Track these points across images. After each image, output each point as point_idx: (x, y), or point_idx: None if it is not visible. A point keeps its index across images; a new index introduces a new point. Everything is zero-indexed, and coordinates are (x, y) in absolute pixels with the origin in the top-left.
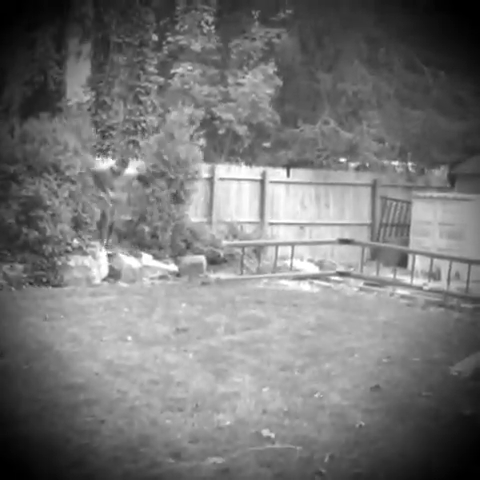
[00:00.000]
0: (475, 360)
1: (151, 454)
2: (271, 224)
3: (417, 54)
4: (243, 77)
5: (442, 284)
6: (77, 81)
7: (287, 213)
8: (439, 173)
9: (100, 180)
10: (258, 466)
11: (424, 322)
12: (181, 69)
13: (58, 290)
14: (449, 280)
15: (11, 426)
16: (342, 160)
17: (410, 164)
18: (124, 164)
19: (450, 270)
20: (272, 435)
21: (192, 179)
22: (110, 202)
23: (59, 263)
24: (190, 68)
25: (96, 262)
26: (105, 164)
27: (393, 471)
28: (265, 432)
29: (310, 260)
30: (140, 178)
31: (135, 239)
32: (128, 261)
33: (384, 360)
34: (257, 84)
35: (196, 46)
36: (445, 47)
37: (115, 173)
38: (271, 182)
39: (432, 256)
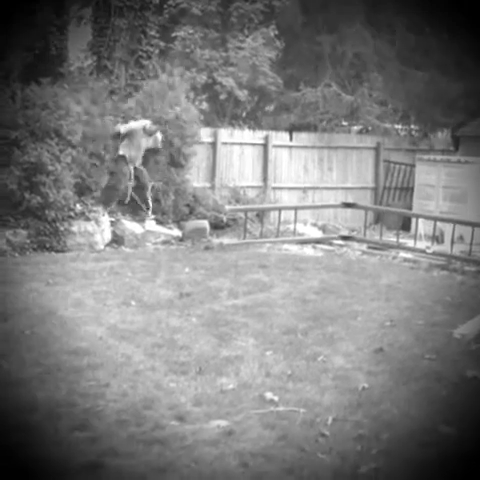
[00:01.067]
0: (478, 323)
1: (155, 417)
2: (274, 188)
3: (419, 15)
4: (244, 41)
5: (445, 247)
6: (79, 46)
7: (290, 177)
8: (442, 136)
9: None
10: (261, 428)
11: (427, 285)
12: (182, 33)
13: (61, 255)
14: (452, 243)
15: (15, 389)
16: (344, 123)
17: (413, 127)
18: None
19: (453, 233)
20: (275, 398)
21: (191, 142)
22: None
23: (62, 228)
24: (191, 31)
25: (99, 227)
26: (137, 123)
27: (396, 432)
28: (268, 395)
29: (313, 224)
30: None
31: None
32: (131, 226)
33: (387, 323)
34: (257, 48)
35: (196, 9)
36: (447, 9)
37: (146, 132)
38: (274, 146)
39: (435, 219)
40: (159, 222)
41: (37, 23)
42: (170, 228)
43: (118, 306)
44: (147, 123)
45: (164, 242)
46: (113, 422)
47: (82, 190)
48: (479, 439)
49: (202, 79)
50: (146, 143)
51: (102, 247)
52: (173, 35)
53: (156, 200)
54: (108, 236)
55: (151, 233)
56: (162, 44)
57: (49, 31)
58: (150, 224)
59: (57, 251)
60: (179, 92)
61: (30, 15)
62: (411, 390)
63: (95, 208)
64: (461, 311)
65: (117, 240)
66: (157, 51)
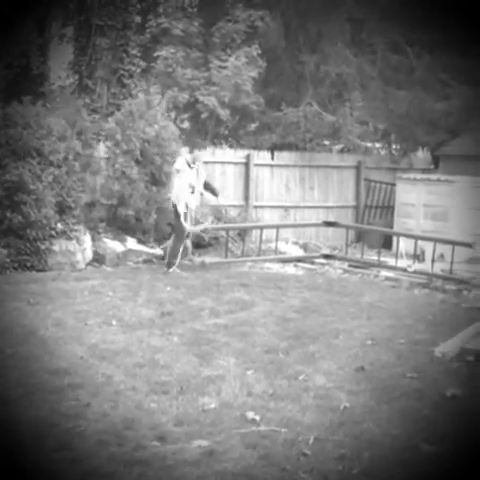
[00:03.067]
0: (459, 341)
1: (136, 437)
2: (256, 207)
3: (401, 35)
4: (226, 60)
5: (426, 266)
6: (60, 65)
7: (272, 196)
8: (423, 155)
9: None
10: (243, 448)
11: (408, 304)
12: (164, 52)
13: (42, 275)
14: (433, 261)
15: None
16: (326, 143)
17: (394, 146)
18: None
19: (434, 251)
20: (257, 417)
21: (171, 161)
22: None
23: (43, 248)
24: (173, 51)
25: (80, 247)
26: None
27: (377, 452)
28: (250, 414)
29: (295, 243)
30: (109, 160)
31: (119, 223)
32: (112, 245)
33: (368, 342)
34: (240, 67)
35: (177, 30)
36: (428, 28)
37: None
38: (255, 165)
39: (416, 238)
40: (141, 241)
41: (19, 41)
42: (152, 247)
43: (99, 326)
44: (188, 156)
45: (145, 261)
46: (94, 442)
47: (63, 209)
48: (460, 458)
49: (184, 98)
50: (191, 179)
51: (83, 266)
52: (155, 55)
53: (137, 219)
54: (89, 255)
55: (132, 252)
56: (143, 63)
57: (30, 49)
58: (131, 243)
59: (38, 270)
60: (157, 110)
61: (11, 33)
62: (393, 409)
63: (76, 227)
64: (442, 329)
65: (98, 259)
66: (139, 70)
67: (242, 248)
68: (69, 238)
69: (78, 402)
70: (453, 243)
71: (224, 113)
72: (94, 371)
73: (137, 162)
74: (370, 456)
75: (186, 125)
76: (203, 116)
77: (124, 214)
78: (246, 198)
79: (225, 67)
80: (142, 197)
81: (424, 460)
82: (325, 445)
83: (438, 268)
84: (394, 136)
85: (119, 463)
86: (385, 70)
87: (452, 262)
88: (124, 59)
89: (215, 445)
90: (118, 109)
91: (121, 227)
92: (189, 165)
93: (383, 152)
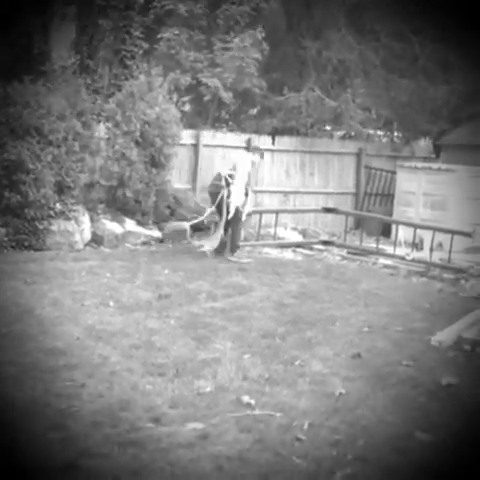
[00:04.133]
0: (456, 330)
1: (131, 419)
2: (255, 192)
3: (404, 23)
4: (230, 41)
5: (425, 254)
6: (62, 44)
7: (271, 181)
8: (424, 143)
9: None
10: (238, 432)
11: (406, 292)
12: (167, 34)
13: (40, 254)
14: (432, 250)
15: None
16: (327, 128)
17: (395, 134)
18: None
19: (433, 240)
20: (252, 401)
21: (171, 143)
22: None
23: (41, 227)
24: (177, 33)
25: (79, 227)
26: (243, 164)
27: (372, 438)
28: (245, 398)
29: (294, 228)
30: (109, 141)
31: (118, 205)
32: (111, 226)
33: (365, 329)
34: (244, 48)
35: (183, 10)
36: (432, 16)
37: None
38: None
39: (415, 226)
40: (139, 223)
41: (20, 20)
42: (150, 229)
43: (96, 306)
44: (251, 158)
45: (144, 243)
46: (89, 423)
47: (62, 189)
48: (454, 446)
49: (186, 80)
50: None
51: (81, 247)
52: (158, 36)
53: (136, 201)
54: (88, 236)
55: (131, 234)
56: (146, 45)
57: (32, 28)
58: (130, 224)
59: (36, 250)
60: (158, 92)
61: (13, 12)
62: (388, 396)
63: (75, 207)
64: (439, 318)
65: (97, 240)
66: (141, 52)
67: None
68: (68, 218)
69: (73, 382)
70: (452, 232)
71: (227, 96)
72: (90, 352)
73: (137, 144)
74: (364, 443)
75: (187, 108)
76: (205, 98)
77: (123, 195)
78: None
79: (229, 49)
80: (141, 179)
81: (418, 448)
82: (320, 431)
83: (436, 257)
84: (396, 124)
85: (113, 444)
86: (388, 58)
87: (450, 251)
88: (126, 40)
89: (210, 428)
90: (119, 90)
91: (120, 208)
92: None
93: (384, 140)
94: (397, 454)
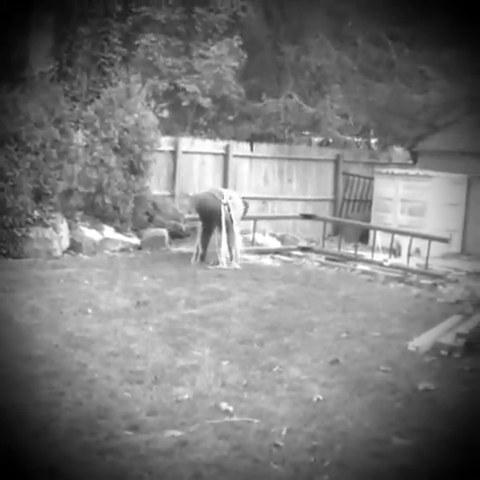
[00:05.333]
0: (433, 335)
1: (109, 426)
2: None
3: (381, 28)
4: (208, 49)
5: (402, 260)
6: (40, 51)
7: (250, 187)
8: (401, 150)
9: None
10: (216, 439)
11: (384, 297)
12: (145, 40)
13: (18, 262)
14: (409, 256)
15: None
16: (305, 135)
17: (373, 140)
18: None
19: (410, 246)
20: (230, 408)
21: (150, 149)
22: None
23: (19, 235)
24: (154, 39)
25: (57, 234)
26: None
27: (349, 444)
28: (223, 405)
29: (272, 234)
30: (87, 148)
31: (97, 212)
32: (89, 233)
33: (343, 335)
34: (222, 57)
35: (160, 17)
36: (409, 21)
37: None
38: (234, 156)
39: (393, 232)
40: (118, 230)
41: None
42: (129, 236)
43: (74, 314)
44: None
45: (122, 250)
46: (67, 431)
47: (40, 196)
48: (431, 450)
49: (164, 86)
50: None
51: (60, 254)
52: (136, 43)
53: (115, 208)
54: (66, 243)
55: (109, 241)
56: (124, 51)
57: (11, 35)
58: (109, 231)
59: (14, 257)
60: (137, 99)
61: None
62: (365, 402)
63: (53, 214)
64: (416, 324)
65: (75, 247)
66: (119, 58)
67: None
68: (46, 225)
69: (52, 390)
70: (429, 238)
71: (205, 102)
72: (68, 359)
73: (116, 150)
74: (342, 448)
75: (165, 114)
76: (184, 104)
77: (102, 202)
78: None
79: (207, 56)
80: (120, 186)
81: (395, 453)
82: (298, 437)
83: (414, 263)
84: (373, 130)
85: (92, 452)
86: (365, 63)
87: (428, 257)
88: (105, 47)
89: (188, 435)
90: (98, 97)
91: (98, 215)
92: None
93: (362, 146)
94: (374, 459)
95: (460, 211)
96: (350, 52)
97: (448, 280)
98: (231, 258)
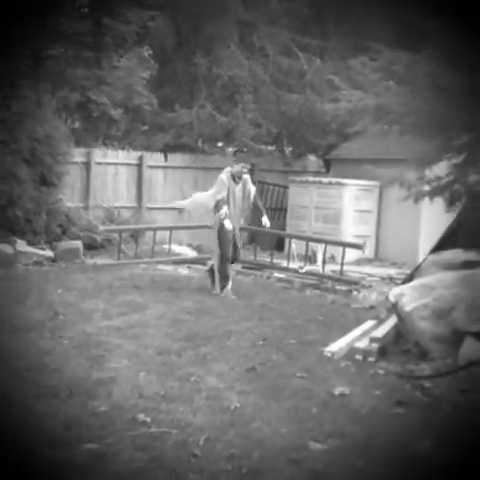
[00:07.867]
0: (348, 340)
1: (25, 443)
2: (149, 209)
3: (290, 39)
4: (118, 60)
5: (318, 267)
6: None
7: (165, 198)
8: (315, 158)
9: None
10: (133, 450)
11: (300, 304)
12: (53, 51)
13: None
14: (324, 263)
15: None
16: (219, 144)
17: (287, 149)
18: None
19: (325, 253)
20: (148, 419)
21: (62, 161)
22: None
23: None
24: (62, 50)
25: None
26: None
27: (266, 450)
28: (141, 416)
29: (188, 244)
30: None
31: (9, 225)
32: (1, 247)
33: (260, 342)
34: (132, 68)
35: (70, 29)
36: (316, 31)
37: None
38: (149, 167)
39: (308, 240)
40: (31, 243)
41: None
42: (42, 249)
43: None
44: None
45: (36, 263)
46: None
47: None
48: (347, 454)
49: (75, 98)
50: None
51: None
52: (44, 54)
53: (27, 220)
54: None
55: (22, 254)
56: (33, 62)
57: None
58: (21, 244)
59: None
60: (47, 110)
61: None
62: (282, 408)
63: None
64: (332, 329)
65: None
66: (29, 70)
67: (135, 250)
68: None
69: None
70: (343, 244)
71: (116, 112)
72: None
73: (26, 162)
74: (259, 455)
75: (77, 125)
76: (95, 115)
77: (13, 215)
78: (139, 200)
79: (118, 67)
80: (32, 198)
81: (312, 458)
82: (215, 445)
83: (329, 269)
84: (286, 139)
85: (7, 471)
86: (277, 74)
87: (342, 263)
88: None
89: (104, 448)
90: (8, 109)
91: (10, 229)
92: (234, 179)
93: (277, 155)
94: (291, 465)
95: (373, 218)
96: (261, 63)
97: (362, 286)
98: None
